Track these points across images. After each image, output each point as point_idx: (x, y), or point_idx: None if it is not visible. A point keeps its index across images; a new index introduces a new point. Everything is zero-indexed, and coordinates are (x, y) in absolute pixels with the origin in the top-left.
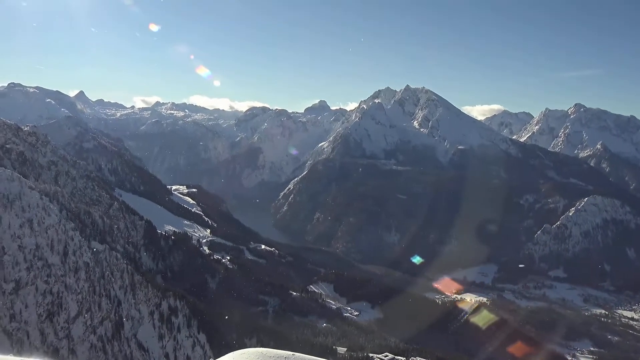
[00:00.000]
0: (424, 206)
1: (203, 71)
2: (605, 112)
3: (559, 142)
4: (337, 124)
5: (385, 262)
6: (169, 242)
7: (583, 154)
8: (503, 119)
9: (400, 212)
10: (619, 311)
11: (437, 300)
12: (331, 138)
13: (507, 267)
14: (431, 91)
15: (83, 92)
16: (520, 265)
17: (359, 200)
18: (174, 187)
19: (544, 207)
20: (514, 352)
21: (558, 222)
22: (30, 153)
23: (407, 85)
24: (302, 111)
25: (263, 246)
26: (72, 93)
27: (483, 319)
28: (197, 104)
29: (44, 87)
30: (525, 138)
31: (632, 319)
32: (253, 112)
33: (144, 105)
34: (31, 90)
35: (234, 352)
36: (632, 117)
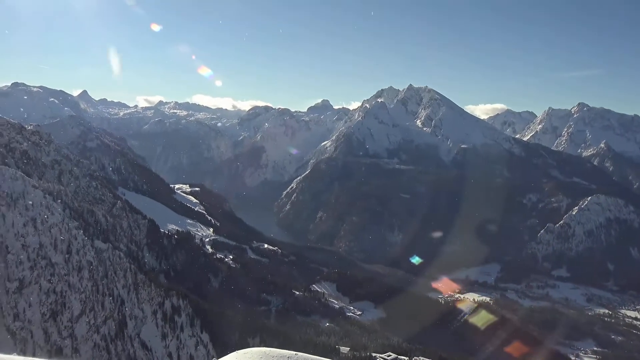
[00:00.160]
0: (427, 205)
1: (205, 71)
2: (608, 111)
3: (562, 141)
4: (340, 123)
5: (388, 262)
6: (172, 241)
7: (586, 153)
8: (506, 118)
9: (403, 212)
10: (623, 311)
11: (440, 300)
12: (334, 137)
13: (510, 266)
14: (434, 90)
15: (86, 92)
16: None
17: (362, 200)
18: (177, 186)
19: (547, 207)
20: (512, 351)
21: (561, 222)
22: (34, 152)
23: (410, 84)
24: (305, 110)
25: (266, 245)
26: (75, 92)
27: (482, 319)
28: (200, 103)
29: (47, 86)
30: (528, 137)
31: (636, 318)
32: (256, 111)
33: (147, 105)
34: (35, 89)
35: (237, 351)
36: (636, 116)
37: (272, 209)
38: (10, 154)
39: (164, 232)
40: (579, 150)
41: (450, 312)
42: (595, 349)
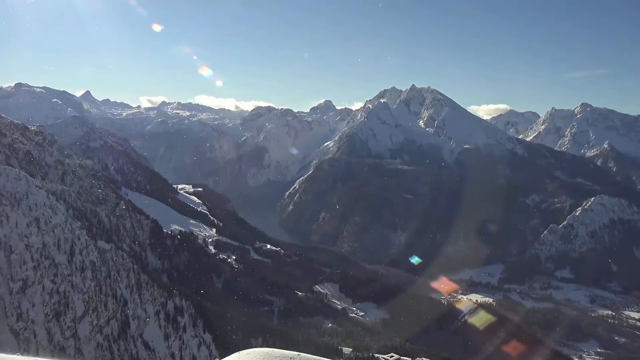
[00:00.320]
0: (430, 206)
1: (205, 71)
2: (612, 111)
3: (565, 141)
4: (343, 123)
5: (391, 262)
6: (175, 241)
7: (590, 153)
8: (509, 118)
9: (405, 212)
10: (626, 312)
11: (443, 301)
12: (337, 137)
13: (513, 267)
14: (437, 91)
15: (89, 92)
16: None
17: (365, 200)
18: (180, 187)
19: (550, 207)
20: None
21: (564, 222)
22: (37, 152)
23: (413, 84)
24: (308, 111)
25: (269, 246)
26: (78, 93)
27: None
28: (203, 104)
29: (50, 87)
30: (531, 137)
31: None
32: (258, 112)
33: (150, 105)
34: (38, 90)
35: (240, 352)
36: (639, 116)
37: (275, 210)
38: (14, 154)
39: (167, 233)
40: (582, 151)
41: (452, 313)
42: (598, 350)
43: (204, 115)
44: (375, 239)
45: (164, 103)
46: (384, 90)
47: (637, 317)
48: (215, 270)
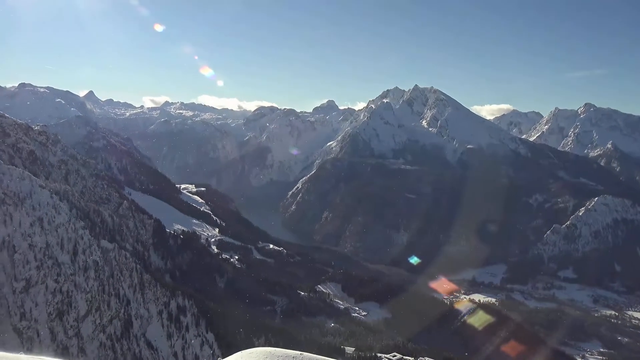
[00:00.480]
0: (432, 206)
1: (207, 71)
2: (615, 111)
3: (568, 141)
4: (346, 123)
5: (394, 262)
6: (178, 241)
7: (593, 153)
8: (512, 118)
9: (408, 212)
10: (629, 312)
11: (445, 301)
12: (339, 137)
13: (515, 267)
14: (440, 91)
15: (93, 92)
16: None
17: (367, 200)
18: (183, 186)
19: (553, 207)
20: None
21: (568, 222)
22: (41, 152)
23: (416, 85)
24: (311, 111)
25: (271, 245)
26: (81, 93)
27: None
28: (206, 104)
29: (54, 87)
30: (534, 138)
31: None
32: (261, 112)
33: (153, 105)
34: (41, 90)
35: (242, 351)
36: None
37: (278, 209)
38: (18, 154)
39: (170, 232)
40: (585, 151)
41: (454, 313)
42: (601, 350)
43: (206, 115)
44: (377, 239)
45: (167, 103)
46: (387, 90)
47: None
48: (218, 269)
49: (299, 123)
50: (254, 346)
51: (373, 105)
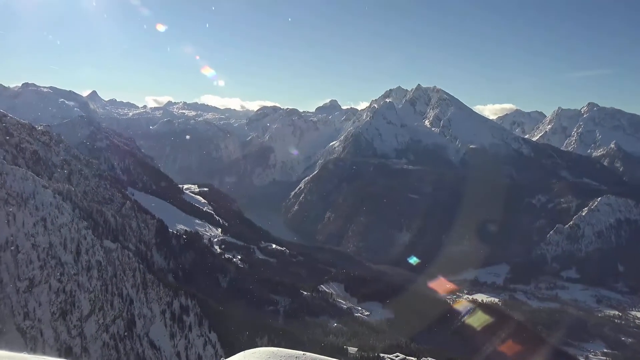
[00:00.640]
0: (435, 206)
1: (208, 71)
2: (619, 111)
3: (571, 141)
4: (348, 123)
5: (396, 262)
6: (181, 241)
7: (596, 153)
8: (515, 118)
9: (411, 212)
10: (633, 312)
11: (449, 300)
12: (342, 137)
13: (518, 267)
14: (442, 90)
15: (96, 92)
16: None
17: (370, 200)
18: (185, 186)
19: (556, 207)
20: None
21: (571, 222)
22: (44, 152)
23: (419, 84)
24: (313, 110)
25: (274, 245)
26: (84, 93)
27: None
28: (209, 104)
29: (57, 87)
30: (537, 137)
31: None
32: (264, 112)
33: (156, 105)
34: (45, 90)
35: (245, 351)
36: None
37: (280, 209)
38: (21, 154)
39: (173, 232)
40: (588, 151)
41: (457, 313)
42: (605, 350)
43: (209, 115)
44: (380, 239)
45: (169, 103)
46: (390, 90)
47: None
48: (221, 269)
49: (302, 123)
50: (256, 346)
51: (376, 105)
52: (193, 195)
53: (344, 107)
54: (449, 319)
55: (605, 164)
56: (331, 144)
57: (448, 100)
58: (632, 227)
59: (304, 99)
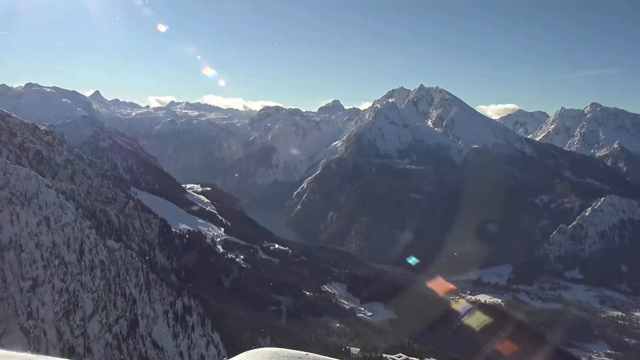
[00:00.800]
0: (438, 206)
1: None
2: (622, 111)
3: (574, 141)
4: (351, 123)
5: (399, 262)
6: (184, 240)
7: (599, 153)
8: (518, 118)
9: (414, 212)
10: (637, 313)
11: (451, 301)
12: (345, 137)
13: (521, 267)
14: (445, 90)
15: (99, 92)
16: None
17: (373, 200)
18: (188, 186)
19: (559, 207)
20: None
21: (574, 222)
22: (47, 152)
23: (421, 84)
24: (316, 110)
25: (277, 245)
26: (88, 93)
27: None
28: (211, 104)
29: (60, 87)
30: (540, 137)
31: None
32: (267, 112)
33: (159, 105)
34: (48, 90)
35: (248, 351)
36: None
37: (283, 209)
38: (24, 153)
39: (176, 232)
40: (591, 151)
41: (459, 313)
42: (608, 351)
43: (212, 115)
44: (383, 239)
45: (172, 103)
46: (392, 90)
47: None
48: (224, 269)
49: (304, 123)
50: (259, 346)
51: (378, 105)
52: (196, 195)
53: (346, 107)
54: (451, 320)
55: (608, 164)
56: (334, 144)
57: (451, 101)
58: (636, 227)
59: (307, 99)
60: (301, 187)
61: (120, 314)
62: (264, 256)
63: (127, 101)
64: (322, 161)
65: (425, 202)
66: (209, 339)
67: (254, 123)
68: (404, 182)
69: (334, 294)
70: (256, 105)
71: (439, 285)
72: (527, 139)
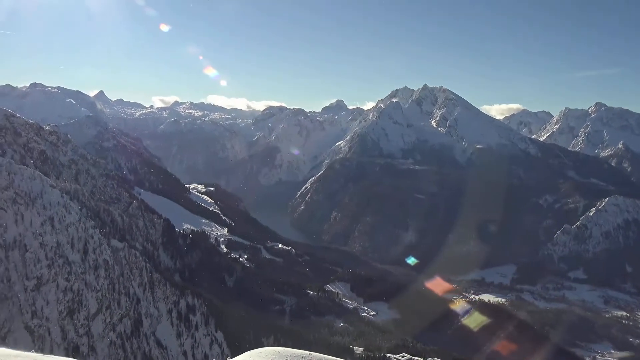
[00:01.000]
0: (442, 206)
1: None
2: (627, 111)
3: (579, 141)
4: (355, 123)
5: (402, 262)
6: (187, 240)
7: (604, 153)
8: (522, 118)
9: (417, 212)
10: None
11: (455, 301)
12: (348, 137)
13: (525, 267)
14: (449, 90)
15: (103, 92)
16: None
17: (376, 200)
18: (192, 186)
19: (563, 207)
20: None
21: (578, 223)
22: (52, 152)
23: (425, 84)
24: (319, 110)
25: (280, 245)
26: (92, 93)
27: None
28: (215, 104)
29: (64, 87)
30: (544, 137)
31: None
32: (270, 112)
33: (163, 105)
34: (52, 90)
35: (251, 350)
36: None
37: (287, 209)
38: (29, 153)
39: (179, 232)
40: (596, 151)
41: (461, 313)
42: (612, 351)
43: (216, 115)
44: (386, 239)
45: (176, 103)
46: (396, 89)
47: None
48: (227, 269)
49: (308, 123)
50: (263, 346)
51: (382, 105)
52: (199, 194)
53: (350, 107)
54: (454, 320)
55: (612, 164)
56: (337, 143)
57: (455, 100)
58: None
59: (310, 99)
60: (305, 187)
61: (124, 313)
62: (267, 256)
63: (131, 101)
64: (325, 161)
65: (429, 202)
66: (213, 338)
67: (257, 123)
68: (408, 182)
69: (338, 293)
70: (260, 106)
71: (438, 285)
72: (531, 139)
